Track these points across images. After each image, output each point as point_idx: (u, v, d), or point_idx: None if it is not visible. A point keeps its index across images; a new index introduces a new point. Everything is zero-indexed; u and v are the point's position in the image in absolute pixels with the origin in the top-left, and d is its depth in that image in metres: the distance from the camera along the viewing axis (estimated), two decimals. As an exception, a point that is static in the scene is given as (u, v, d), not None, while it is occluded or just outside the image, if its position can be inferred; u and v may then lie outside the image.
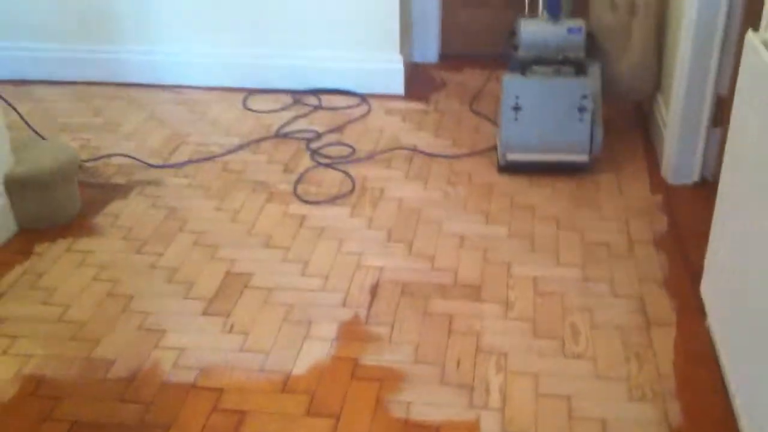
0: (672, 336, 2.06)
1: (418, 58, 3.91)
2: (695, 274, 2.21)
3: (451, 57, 3.92)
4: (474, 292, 2.25)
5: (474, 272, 2.33)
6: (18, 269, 2.38)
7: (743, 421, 1.70)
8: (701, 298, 2.10)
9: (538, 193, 2.74)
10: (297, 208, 2.70)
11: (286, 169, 2.95)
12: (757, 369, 1.62)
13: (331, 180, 2.87)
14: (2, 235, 2.50)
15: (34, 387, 1.93)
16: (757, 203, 1.66)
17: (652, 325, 2.09)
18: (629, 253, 2.40)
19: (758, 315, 1.62)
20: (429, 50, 3.91)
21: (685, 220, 2.55)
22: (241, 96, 3.56)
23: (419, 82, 3.70)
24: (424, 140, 3.15)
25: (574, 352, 2.01)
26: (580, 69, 2.80)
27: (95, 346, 2.07)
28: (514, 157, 2.84)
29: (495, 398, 1.87)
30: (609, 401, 1.85)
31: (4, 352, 2.04)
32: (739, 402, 1.74)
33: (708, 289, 2.06)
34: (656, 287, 2.24)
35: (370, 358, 2.01)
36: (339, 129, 3.25)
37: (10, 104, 2.85)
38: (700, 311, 2.11)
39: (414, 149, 3.07)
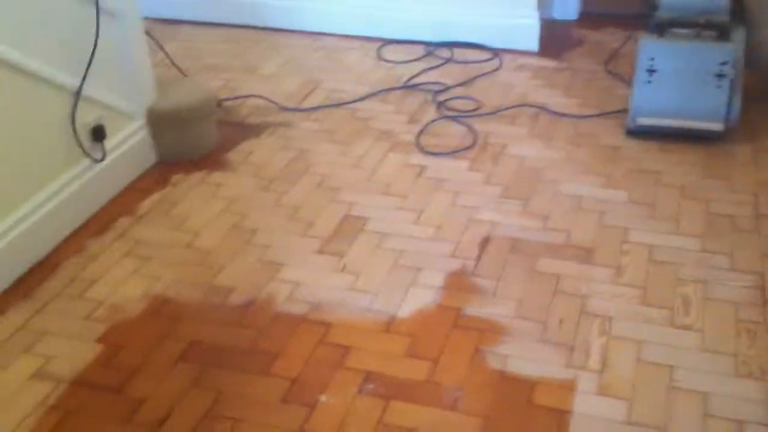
0: (789, 316, 1.98)
1: (556, 14, 3.83)
2: (824, 255, 2.10)
3: (592, 15, 3.81)
4: (585, 255, 2.23)
5: (587, 235, 2.31)
6: (155, 197, 2.56)
7: None
8: (827, 281, 2.01)
9: (666, 160, 2.66)
10: (418, 158, 2.75)
11: (412, 120, 2.99)
12: None
13: (454, 133, 2.89)
14: (142, 165, 2.69)
15: (159, 306, 2.10)
16: None
17: (770, 303, 2.02)
18: (754, 228, 2.30)
19: None
20: (568, 7, 3.82)
21: (822, 198, 2.41)
22: (376, 45, 3.62)
23: (555, 39, 3.63)
24: (553, 99, 3.10)
25: (683, 323, 1.97)
26: (722, 33, 2.67)
27: (218, 273, 2.21)
28: (644, 121, 2.76)
29: (594, 361, 1.87)
30: (713, 375, 1.82)
31: (136, 272, 2.22)
32: None
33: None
34: (780, 265, 2.15)
35: (473, 309, 2.05)
36: (468, 83, 3.25)
37: (158, 42, 3.03)
38: (824, 294, 2.02)
39: (541, 107, 3.04)
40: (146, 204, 2.52)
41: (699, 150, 2.71)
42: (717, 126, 2.70)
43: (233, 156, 2.79)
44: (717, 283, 2.10)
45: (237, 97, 3.17)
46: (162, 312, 2.07)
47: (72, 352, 1.94)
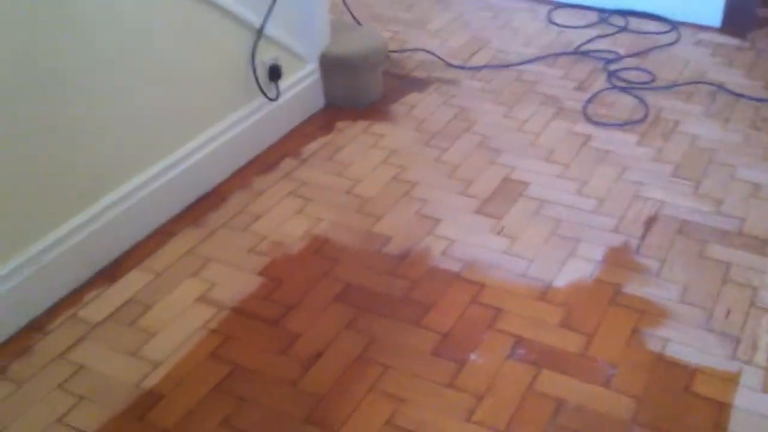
0: None
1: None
2: None
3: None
4: (760, 245, 2.11)
5: (763, 224, 2.19)
6: (320, 140, 2.61)
7: None
8: None
9: None
10: (584, 127, 2.67)
11: (580, 87, 2.91)
12: None
13: (623, 105, 2.79)
14: (311, 108, 2.75)
15: (319, 246, 2.15)
16: None
17: None
18: None
19: None
20: (759, -18, 3.57)
21: None
22: (547, 8, 3.52)
23: (740, 15, 3.40)
24: (733, 78, 2.93)
25: None
26: None
27: (376, 221, 2.24)
28: (836, 110, 2.57)
29: (762, 356, 1.78)
30: None
31: (300, 211, 2.28)
32: None
33: None
34: None
35: (634, 288, 1.98)
36: (642, 54, 3.12)
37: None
38: None
39: (720, 86, 2.87)
40: (312, 147, 2.58)
41: None
42: None
43: (397, 108, 2.80)
44: None
45: (405, 50, 3.17)
46: (321, 252, 2.12)
47: (234, 281, 2.02)
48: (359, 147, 2.58)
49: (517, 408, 1.67)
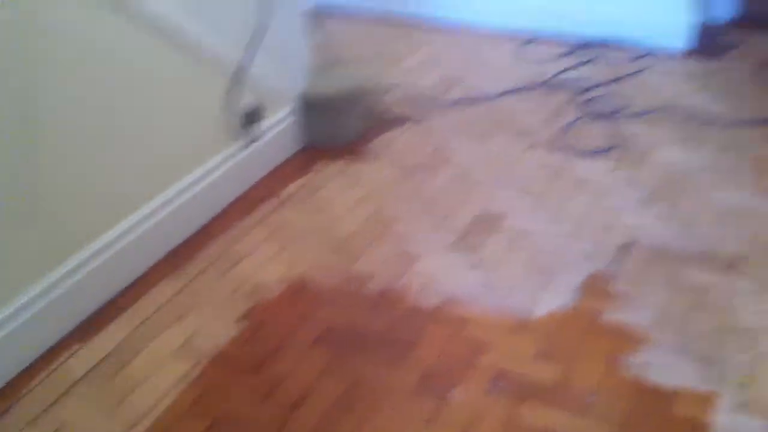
0: None
1: (711, 15, 3.66)
2: None
3: (752, 17, 3.62)
4: (732, 266, 2.14)
5: (736, 246, 2.22)
6: (299, 182, 2.64)
7: None
8: None
9: (826, 172, 2.52)
10: (558, 157, 2.71)
11: (552, 118, 2.95)
12: None
13: (597, 133, 2.83)
14: (291, 149, 2.78)
15: (299, 288, 2.16)
16: None
17: None
18: None
19: None
20: (725, 8, 3.64)
21: None
22: (516, 43, 3.59)
23: (708, 40, 3.48)
24: (703, 103, 2.99)
25: (839, 345, 1.86)
26: None
27: (355, 261, 2.26)
28: (803, 129, 2.62)
29: (738, 376, 1.79)
30: None
31: (279, 254, 2.30)
32: None
33: None
34: None
35: (611, 315, 2.00)
36: (613, 82, 3.18)
37: (315, 28, 3.10)
38: None
39: (690, 111, 2.92)
40: (290, 189, 2.61)
41: None
42: None
43: (374, 146, 2.84)
44: None
45: (381, 89, 3.22)
46: (301, 294, 2.14)
47: (215, 328, 2.03)
48: (337, 187, 2.61)
49: (499, 441, 1.68)
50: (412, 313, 2.05)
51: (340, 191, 2.58)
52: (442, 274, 2.19)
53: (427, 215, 2.44)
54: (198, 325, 2.04)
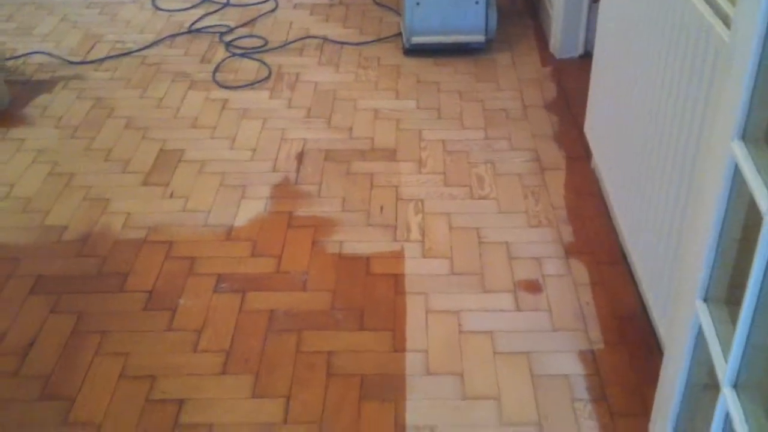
0: (563, 177, 2.38)
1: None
2: (581, 130, 2.53)
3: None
4: (390, 155, 2.51)
5: (389, 139, 2.59)
6: (-43, 155, 2.50)
7: (623, 234, 2.04)
8: (587, 146, 2.43)
9: (441, 71, 3.00)
10: (218, 93, 2.88)
11: (203, 60, 3.10)
12: (632, 194, 1.94)
13: (247, 68, 3.05)
14: (-66, 127, 2.59)
15: (-6, 251, 2.10)
16: (623, 60, 1.96)
17: (546, 169, 2.41)
18: (524, 116, 2.70)
19: (629, 147, 1.94)
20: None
21: (572, 86, 2.86)
22: (150, -3, 3.65)
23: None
24: (333, 30, 3.34)
25: (480, 194, 2.31)
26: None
27: (46, 216, 2.23)
28: (417, 40, 3.08)
29: (415, 233, 2.15)
30: (511, 229, 2.17)
31: (-40, 224, 2.19)
32: (620, 222, 2.08)
33: (591, 132, 2.37)
34: (548, 141, 2.56)
35: (303, 211, 2.25)
36: (250, 23, 3.40)
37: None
38: (586, 157, 2.44)
39: (324, 38, 3.27)
40: (-51, 163, 2.46)
41: (468, 61, 3.07)
42: (479, 38, 3.08)
43: (29, 111, 2.76)
44: (502, 162, 2.46)
45: (19, 56, 3.10)
46: (-1, 255, 2.08)
47: None
48: (2, 154, 2.51)
49: (236, 328, 1.85)
50: (120, 247, 2.11)
51: (8, 158, 2.49)
52: (140, 208, 2.26)
53: (107, 163, 2.47)
54: None
